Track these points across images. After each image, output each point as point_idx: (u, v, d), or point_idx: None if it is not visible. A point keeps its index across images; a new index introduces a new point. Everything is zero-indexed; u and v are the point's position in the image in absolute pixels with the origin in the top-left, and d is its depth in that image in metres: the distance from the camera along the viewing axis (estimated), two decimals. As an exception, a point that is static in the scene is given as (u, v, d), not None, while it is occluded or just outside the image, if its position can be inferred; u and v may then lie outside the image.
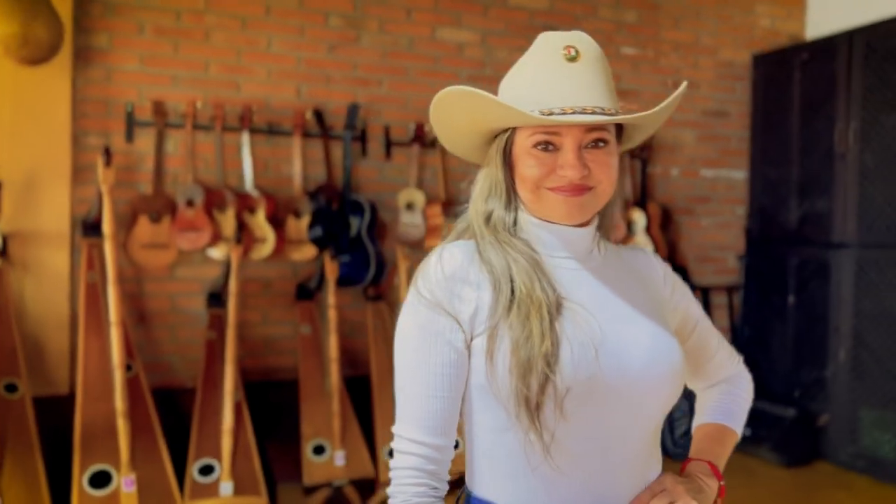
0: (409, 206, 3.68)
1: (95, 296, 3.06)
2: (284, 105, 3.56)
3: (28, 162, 3.12)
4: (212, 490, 2.79)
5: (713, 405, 1.22)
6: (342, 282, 3.42)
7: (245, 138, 3.43)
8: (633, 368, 0.99)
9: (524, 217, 1.07)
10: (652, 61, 4.29)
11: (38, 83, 3.16)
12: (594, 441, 0.98)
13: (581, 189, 1.01)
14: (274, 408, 3.44)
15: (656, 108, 1.02)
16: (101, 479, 2.65)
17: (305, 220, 3.48)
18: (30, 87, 3.15)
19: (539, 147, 1.01)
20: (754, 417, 4.22)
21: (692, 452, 1.15)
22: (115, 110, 3.33)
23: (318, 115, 3.55)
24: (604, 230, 1.12)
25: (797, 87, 4.18)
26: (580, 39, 1.02)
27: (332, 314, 3.22)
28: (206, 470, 2.85)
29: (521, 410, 0.94)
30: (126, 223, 3.26)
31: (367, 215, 3.52)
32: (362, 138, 3.69)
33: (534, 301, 0.98)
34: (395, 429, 1.05)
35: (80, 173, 3.27)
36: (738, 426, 1.20)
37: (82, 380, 2.86)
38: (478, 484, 1.04)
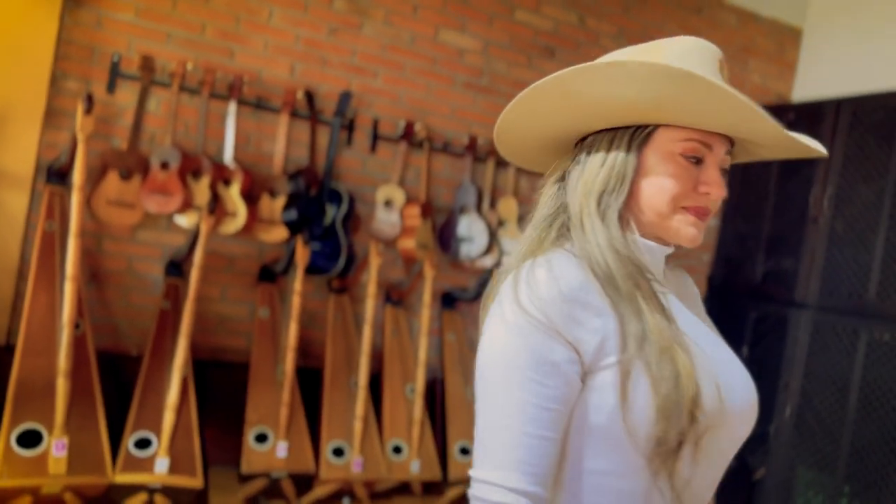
0: (388, 204, 3.62)
1: (51, 246, 2.91)
2: (276, 81, 3.47)
3: (2, 97, 2.96)
4: (146, 465, 2.66)
5: None
6: (309, 269, 3.33)
7: (232, 108, 3.32)
8: (742, 396, 0.93)
9: (628, 234, 0.96)
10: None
11: (23, 17, 3.00)
12: (711, 480, 0.92)
13: (707, 210, 0.94)
14: (219, 388, 3.32)
15: (796, 136, 0.96)
16: (30, 439, 2.50)
17: (280, 201, 3.38)
18: (14, 19, 2.99)
19: (689, 157, 0.92)
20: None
21: None
22: (100, 58, 3.19)
23: (310, 96, 3.47)
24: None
25: (779, 145, 4.25)
26: (722, 55, 0.97)
27: (295, 300, 3.13)
28: (143, 443, 2.72)
29: (656, 454, 0.85)
30: (94, 177, 3.12)
31: (345, 206, 3.44)
32: (350, 127, 3.61)
33: (668, 334, 0.87)
34: (481, 475, 0.86)
35: (53, 117, 3.12)
36: None
37: (24, 332, 2.70)
38: None
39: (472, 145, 3.79)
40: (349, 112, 3.59)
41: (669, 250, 1.01)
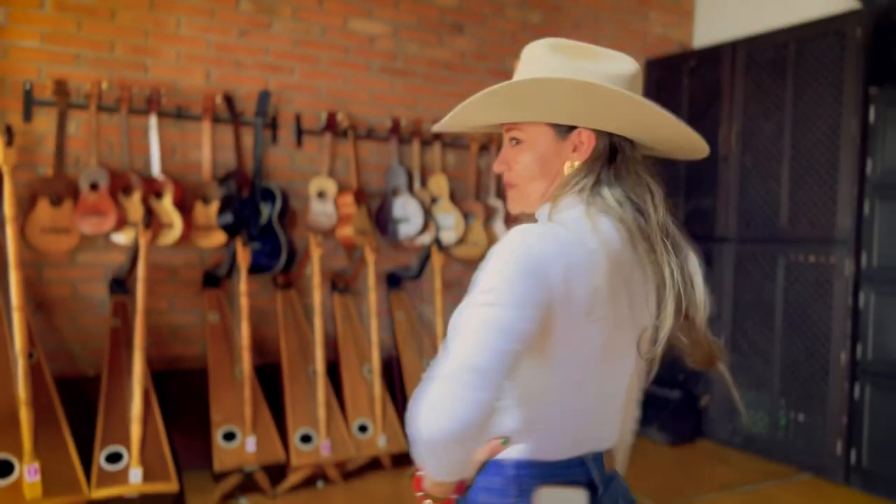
0: (321, 195, 3.71)
1: (-9, 281, 2.92)
2: (193, 89, 3.51)
3: (-85, 139, 2.93)
4: (120, 477, 2.73)
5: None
6: (252, 269, 3.41)
7: (153, 121, 3.36)
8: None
9: None
10: (554, 61, 4.48)
11: (-74, 56, 2.98)
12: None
13: (510, 184, 1.19)
14: (180, 397, 3.38)
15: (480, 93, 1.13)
16: (2, 469, 2.55)
17: (214, 207, 3.45)
18: (-83, 59, 2.97)
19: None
20: (645, 400, 4.54)
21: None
22: (12, 88, 3.19)
23: (229, 100, 3.52)
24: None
25: (686, 92, 4.49)
26: (533, 47, 1.17)
27: (243, 301, 3.21)
28: (114, 458, 2.79)
29: None
30: (24, 207, 3.13)
31: (279, 203, 3.52)
32: (273, 125, 3.68)
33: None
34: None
35: (-28, 153, 3.11)
36: None
37: (-22, 368, 2.73)
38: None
39: (395, 128, 3.90)
40: (270, 110, 3.65)
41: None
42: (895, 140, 3.46)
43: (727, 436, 4.17)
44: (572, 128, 1.15)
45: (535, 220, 1.17)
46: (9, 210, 2.67)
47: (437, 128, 1.25)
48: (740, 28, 4.37)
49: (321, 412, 3.28)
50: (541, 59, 1.11)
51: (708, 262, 4.25)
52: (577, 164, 1.13)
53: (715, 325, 4.16)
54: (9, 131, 2.70)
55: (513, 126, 1.13)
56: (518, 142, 1.13)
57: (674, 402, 4.28)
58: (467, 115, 1.17)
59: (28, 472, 2.53)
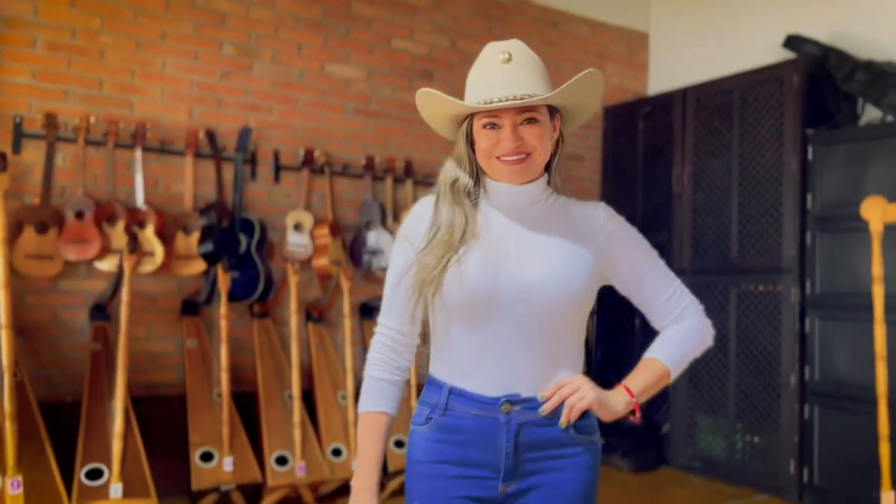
0: (297, 227, 3.88)
1: (-23, 303, 3.01)
2: (177, 125, 3.69)
3: None
4: (101, 493, 2.80)
5: (655, 343, 1.48)
6: (231, 297, 3.54)
7: (138, 155, 3.52)
8: (527, 288, 1.33)
9: (485, 178, 1.42)
10: (519, 107, 4.76)
11: (-79, 88, 3.12)
12: (495, 336, 1.34)
13: (520, 159, 1.34)
14: (157, 423, 3.45)
15: (555, 92, 1.34)
16: (-17, 483, 2.61)
17: (195, 237, 3.59)
18: (-87, 91, 3.11)
19: (487, 127, 1.35)
20: (608, 428, 4.68)
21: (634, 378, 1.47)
22: (2, 121, 3.33)
23: (211, 136, 3.70)
24: (554, 187, 1.44)
25: (641, 135, 4.79)
26: (514, 46, 1.36)
27: (223, 324, 3.33)
28: (95, 474, 2.85)
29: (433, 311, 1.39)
30: (10, 234, 3.23)
31: (257, 233, 3.67)
32: (252, 161, 3.86)
33: (443, 243, 1.35)
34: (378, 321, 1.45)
35: (-39, 181, 3.23)
36: (667, 357, 1.45)
37: (-38, 386, 2.80)
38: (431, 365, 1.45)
39: (369, 165, 4.11)
40: (250, 146, 3.84)
41: (517, 188, 1.40)
42: (831, 177, 3.76)
43: (687, 461, 4.33)
44: (554, 114, 1.39)
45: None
46: (0, 232, 2.79)
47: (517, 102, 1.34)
48: (690, 77, 4.71)
49: (297, 433, 3.38)
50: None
51: (665, 293, 4.49)
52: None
53: (674, 354, 4.39)
54: (3, 158, 2.84)
55: (532, 109, 1.33)
56: (535, 121, 1.34)
57: (636, 428, 4.44)
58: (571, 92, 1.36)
59: (11, 486, 2.59)
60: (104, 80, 3.54)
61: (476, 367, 1.36)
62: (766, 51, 4.35)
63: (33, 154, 3.37)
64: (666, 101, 4.64)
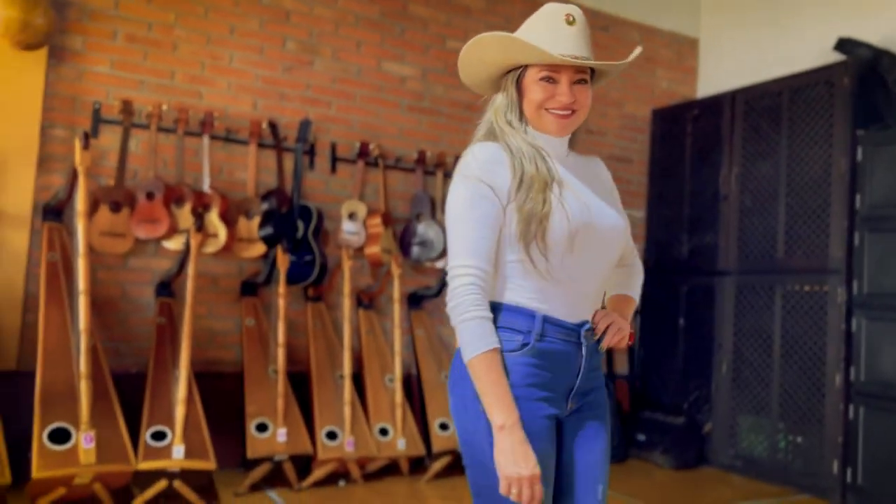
0: (351, 216, 4.04)
1: (56, 273, 3.23)
2: (241, 116, 3.89)
3: (-3, 146, 3.30)
4: (164, 453, 2.97)
5: (619, 282, 1.69)
6: (288, 280, 3.70)
7: (205, 142, 3.72)
8: (609, 223, 1.49)
9: (528, 129, 1.53)
10: (568, 108, 4.87)
11: (13, 75, 3.37)
12: (583, 269, 1.47)
13: (568, 114, 1.48)
14: (216, 396, 3.62)
15: (619, 62, 1.50)
16: (60, 436, 2.80)
17: (256, 221, 3.77)
18: (6, 78, 3.35)
19: (543, 80, 1.47)
20: (649, 426, 4.70)
21: (625, 316, 1.65)
22: (82, 107, 3.56)
23: (273, 126, 3.89)
24: (572, 143, 1.58)
25: (689, 138, 4.85)
26: (574, 10, 1.49)
27: (281, 303, 3.50)
28: (159, 436, 3.03)
29: (525, 248, 1.43)
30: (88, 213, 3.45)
31: (314, 220, 3.84)
32: (311, 152, 4.04)
33: (540, 183, 1.43)
34: (451, 264, 1.42)
35: (45, 162, 3.47)
36: (635, 294, 1.69)
37: (42, 349, 3.01)
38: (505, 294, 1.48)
39: (421, 160, 4.25)
40: (309, 138, 4.01)
41: (556, 139, 1.53)
42: (881, 177, 3.77)
43: (729, 460, 4.34)
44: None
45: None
46: (81, 205, 3.00)
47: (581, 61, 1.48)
48: (739, 80, 4.76)
49: (346, 411, 3.51)
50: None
51: (710, 293, 4.54)
52: None
53: (717, 354, 4.42)
54: (86, 137, 3.06)
55: (586, 70, 1.48)
56: (585, 82, 1.49)
57: (678, 428, 4.47)
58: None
59: (84, 440, 2.77)
60: (176, 72, 3.76)
61: (564, 297, 1.46)
62: (815, 54, 4.39)
63: (110, 139, 3.59)
64: (714, 104, 4.70)
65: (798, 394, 4.04)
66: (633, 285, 1.69)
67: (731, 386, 4.38)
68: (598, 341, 1.55)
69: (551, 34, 1.45)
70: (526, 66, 1.49)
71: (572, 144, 1.59)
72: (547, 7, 1.50)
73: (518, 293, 1.45)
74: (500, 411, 1.36)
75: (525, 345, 1.44)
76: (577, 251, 1.44)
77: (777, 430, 4.13)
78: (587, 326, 1.50)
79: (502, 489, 1.34)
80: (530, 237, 1.40)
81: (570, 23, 1.46)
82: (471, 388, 1.42)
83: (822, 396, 3.91)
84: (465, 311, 1.38)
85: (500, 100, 1.53)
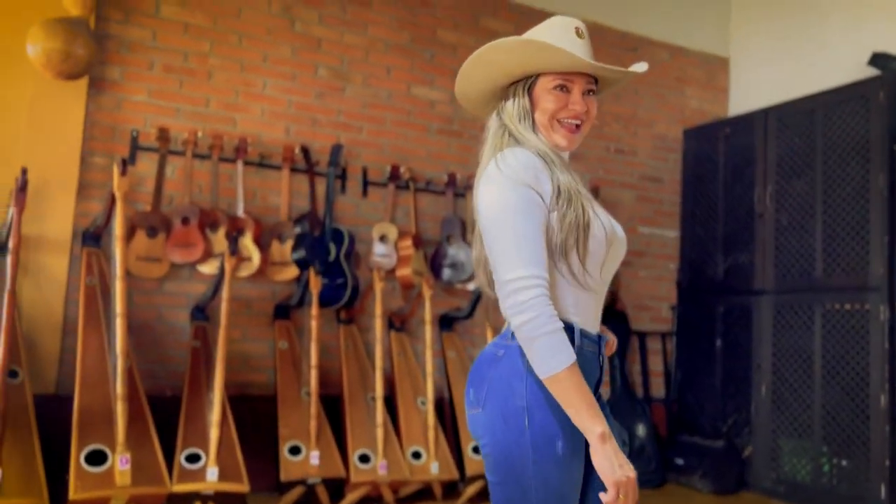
0: (382, 239, 4.06)
1: (94, 297, 3.29)
2: (275, 142, 3.95)
3: (39, 174, 3.39)
4: (198, 476, 2.98)
5: None
6: (320, 302, 3.72)
7: (239, 168, 3.78)
8: (623, 234, 1.53)
9: (542, 138, 1.51)
10: (596, 129, 4.86)
11: (55, 105, 3.47)
12: (605, 279, 1.49)
13: (577, 126, 1.48)
14: (249, 419, 3.64)
15: (626, 69, 1.50)
16: (96, 458, 2.83)
17: (289, 245, 3.81)
18: (48, 107, 3.46)
19: (557, 89, 1.47)
20: (687, 449, 4.59)
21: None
22: (121, 135, 3.65)
23: (306, 152, 3.94)
24: None
25: (721, 156, 4.80)
26: (582, 24, 1.50)
27: (314, 325, 3.52)
28: (193, 458, 3.04)
29: (563, 258, 1.41)
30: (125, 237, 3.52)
31: (346, 243, 3.87)
32: (343, 176, 4.08)
33: (575, 189, 1.43)
34: (511, 275, 1.35)
35: (84, 189, 3.55)
36: None
37: (80, 370, 3.06)
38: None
39: (451, 182, 4.27)
40: (341, 162, 4.06)
41: (565, 154, 1.53)
42: (921, 192, 3.70)
43: (771, 485, 4.22)
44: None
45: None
46: (119, 230, 3.06)
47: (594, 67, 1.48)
48: (770, 98, 4.72)
49: (379, 433, 3.50)
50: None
51: (747, 313, 4.45)
52: None
53: (756, 375, 4.33)
54: (123, 163, 3.13)
55: (595, 82, 1.49)
56: (594, 93, 1.49)
57: (717, 451, 4.37)
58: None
59: (120, 462, 2.80)
60: (211, 99, 3.84)
61: (593, 307, 1.47)
62: (848, 69, 4.34)
63: (147, 165, 3.67)
64: (747, 122, 4.65)
65: (841, 415, 3.93)
66: None
67: (772, 408, 4.27)
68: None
69: (568, 45, 1.44)
70: (538, 75, 1.47)
71: None
72: (556, 19, 1.50)
73: (561, 305, 1.42)
74: (597, 421, 1.32)
75: None
76: (609, 261, 1.46)
77: (821, 453, 4.01)
78: (606, 338, 1.53)
79: (610, 496, 1.30)
80: (571, 247, 1.39)
81: (580, 36, 1.47)
82: (511, 402, 1.38)
83: (867, 418, 3.80)
84: (544, 323, 1.32)
85: (510, 107, 1.49)
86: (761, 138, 4.52)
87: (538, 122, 1.49)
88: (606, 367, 1.59)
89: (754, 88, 5.17)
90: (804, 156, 4.26)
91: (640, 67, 1.53)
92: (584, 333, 1.45)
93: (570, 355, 1.33)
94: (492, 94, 1.56)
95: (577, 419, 1.33)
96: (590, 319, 1.47)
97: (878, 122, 3.88)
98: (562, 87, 1.46)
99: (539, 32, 1.48)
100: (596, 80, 1.52)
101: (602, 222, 1.43)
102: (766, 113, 4.51)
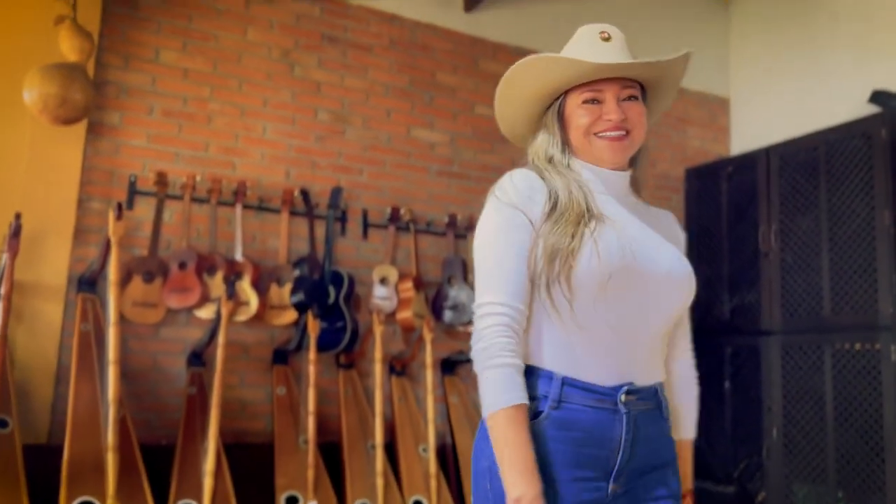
0: (383, 281, 4.01)
1: (88, 344, 3.24)
2: (274, 185, 3.93)
3: (36, 219, 3.36)
4: (192, 528, 2.89)
5: (689, 414, 1.51)
6: (319, 346, 3.66)
7: (238, 212, 3.75)
8: (661, 268, 1.30)
9: (576, 163, 1.38)
10: (599, 169, 4.84)
11: (52, 150, 3.46)
12: (620, 320, 1.27)
13: (621, 136, 1.33)
14: (245, 468, 3.54)
15: (667, 58, 1.34)
16: (86, 510, 2.74)
17: (287, 288, 3.76)
18: (45, 153, 3.45)
19: (587, 102, 1.34)
20: (698, 495, 4.46)
21: (683, 473, 1.47)
22: (119, 180, 3.64)
23: (305, 195, 3.92)
24: (636, 187, 1.44)
25: (724, 195, 4.77)
26: (610, 28, 1.38)
27: (312, 370, 3.45)
28: (187, 509, 2.95)
29: (544, 286, 1.26)
30: (121, 282, 3.48)
31: (346, 285, 3.82)
32: (342, 219, 4.05)
33: (573, 215, 1.27)
34: (479, 300, 1.27)
35: (80, 234, 3.52)
36: (690, 430, 1.54)
37: (72, 420, 2.99)
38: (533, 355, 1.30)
39: (451, 223, 4.24)
40: (341, 205, 4.03)
41: (613, 174, 1.39)
42: (928, 229, 3.64)
43: (786, 533, 4.08)
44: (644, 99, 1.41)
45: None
46: (113, 275, 3.02)
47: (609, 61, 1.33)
48: (773, 136, 4.70)
49: (379, 482, 3.40)
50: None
51: (755, 354, 4.36)
52: None
53: (767, 418, 4.22)
54: (119, 207, 3.10)
55: (633, 86, 1.34)
56: (636, 98, 1.35)
57: (728, 497, 4.24)
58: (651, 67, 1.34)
59: (110, 514, 2.71)
60: (210, 143, 3.84)
61: (593, 353, 1.26)
62: (849, 107, 4.33)
63: (144, 210, 3.65)
64: (749, 161, 4.62)
65: (856, 459, 3.81)
66: (690, 421, 1.49)
67: (784, 452, 4.15)
68: (660, 409, 1.33)
69: (588, 50, 1.33)
70: (566, 95, 1.36)
71: (636, 188, 1.44)
72: (583, 28, 1.40)
73: (541, 352, 1.27)
74: (519, 481, 1.15)
75: (539, 413, 1.24)
76: (615, 297, 1.25)
77: (836, 498, 3.88)
78: (625, 389, 1.26)
79: None
80: (553, 276, 1.23)
81: (606, 39, 1.34)
82: (478, 461, 1.27)
83: (882, 462, 3.68)
84: (492, 356, 1.20)
85: (539, 138, 1.41)
86: (764, 176, 4.48)
87: (575, 145, 1.37)
88: (649, 425, 1.29)
89: (755, 127, 5.16)
90: (808, 193, 4.22)
91: (679, 54, 1.37)
92: (572, 383, 1.25)
93: (512, 398, 1.19)
94: (532, 124, 1.47)
95: (501, 474, 1.17)
96: (593, 367, 1.25)
97: (881, 159, 3.84)
98: (592, 100, 1.33)
99: (567, 46, 1.39)
100: (642, 86, 1.38)
101: (601, 252, 1.23)
102: (767, 151, 4.49)
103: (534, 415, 1.24)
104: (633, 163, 1.44)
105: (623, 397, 1.26)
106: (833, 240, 4.05)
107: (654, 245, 1.33)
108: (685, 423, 1.46)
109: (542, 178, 1.34)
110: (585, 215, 1.27)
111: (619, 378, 1.27)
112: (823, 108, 4.58)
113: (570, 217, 1.26)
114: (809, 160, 4.23)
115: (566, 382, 1.25)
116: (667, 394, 1.40)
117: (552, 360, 1.27)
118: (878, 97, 4.07)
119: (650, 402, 1.31)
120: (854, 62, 4.55)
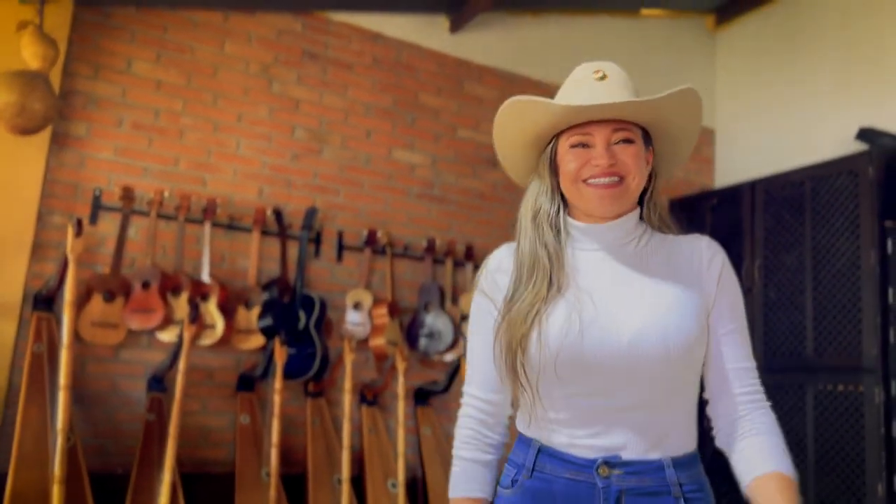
0: (357, 306, 3.87)
1: (40, 366, 3.06)
2: (246, 203, 3.79)
3: (-9, 232, 3.20)
4: (141, 567, 2.71)
5: (764, 450, 1.29)
6: (286, 374, 3.50)
7: (206, 230, 3.60)
8: (618, 341, 1.17)
9: (568, 220, 1.28)
10: (582, 197, 4.75)
11: (10, 161, 3.30)
12: (588, 398, 1.19)
13: (613, 183, 1.20)
14: (204, 501, 3.37)
15: (658, 96, 1.21)
16: (27, 548, 2.56)
17: (255, 311, 3.61)
18: (4, 162, 3.29)
19: (575, 147, 1.22)
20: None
21: None
22: (83, 194, 3.48)
23: (278, 214, 3.78)
24: (651, 222, 1.30)
25: (708, 228, 4.68)
26: (608, 66, 1.26)
27: (276, 399, 3.29)
28: (137, 547, 2.78)
29: (509, 376, 1.23)
30: (79, 301, 3.31)
31: (317, 310, 3.67)
32: (317, 240, 3.92)
33: (530, 294, 1.20)
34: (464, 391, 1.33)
35: (39, 249, 3.35)
36: (784, 465, 1.28)
37: (17, 447, 2.81)
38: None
39: (430, 248, 4.11)
40: (316, 226, 3.90)
41: (601, 225, 1.27)
42: (914, 270, 3.57)
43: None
44: (648, 145, 1.28)
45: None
46: (69, 294, 2.87)
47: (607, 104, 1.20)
48: (757, 170, 4.64)
49: (344, 519, 3.25)
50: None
51: (736, 392, 4.26)
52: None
53: (746, 457, 4.11)
54: (79, 224, 2.95)
55: (627, 128, 1.21)
56: (630, 142, 1.21)
57: (706, 539, 4.12)
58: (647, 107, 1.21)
59: (53, 552, 2.53)
60: (181, 158, 3.69)
61: (570, 425, 1.21)
62: (835, 143, 4.27)
63: (108, 225, 3.49)
64: (734, 194, 4.56)
65: (837, 503, 3.71)
66: (762, 454, 1.27)
67: (763, 494, 4.04)
68: (667, 487, 1.21)
69: (579, 92, 1.22)
70: (557, 139, 1.25)
71: (654, 225, 1.30)
72: (577, 69, 1.29)
73: (526, 419, 1.27)
74: None
75: (515, 481, 1.23)
76: (571, 378, 1.18)
77: (815, 545, 3.77)
78: (610, 461, 1.17)
79: None
80: (509, 364, 1.20)
81: (602, 78, 1.22)
82: None
83: (864, 508, 3.58)
84: (455, 447, 1.30)
85: (530, 189, 1.31)
86: (748, 210, 4.41)
87: (565, 192, 1.26)
88: (636, 499, 1.19)
89: (740, 160, 5.11)
90: (793, 230, 4.15)
91: (674, 90, 1.24)
92: (548, 452, 1.21)
93: (456, 491, 1.26)
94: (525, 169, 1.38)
95: None
96: (567, 437, 1.20)
97: (867, 197, 3.78)
98: (581, 144, 1.22)
99: (563, 85, 1.29)
100: (644, 129, 1.26)
101: (546, 333, 1.16)
102: (752, 185, 4.42)
103: (511, 482, 1.25)
104: (641, 201, 1.31)
105: (601, 470, 1.18)
106: (817, 278, 3.97)
107: (625, 311, 1.20)
108: (759, 457, 1.27)
109: (517, 249, 1.29)
110: (545, 292, 1.20)
111: (600, 450, 1.19)
112: (809, 142, 4.53)
113: (525, 298, 1.21)
114: (795, 195, 4.17)
115: (542, 451, 1.22)
116: (736, 451, 1.32)
117: (534, 430, 1.26)
118: (865, 135, 4.02)
119: (648, 478, 1.20)
120: (839, 98, 4.51)
